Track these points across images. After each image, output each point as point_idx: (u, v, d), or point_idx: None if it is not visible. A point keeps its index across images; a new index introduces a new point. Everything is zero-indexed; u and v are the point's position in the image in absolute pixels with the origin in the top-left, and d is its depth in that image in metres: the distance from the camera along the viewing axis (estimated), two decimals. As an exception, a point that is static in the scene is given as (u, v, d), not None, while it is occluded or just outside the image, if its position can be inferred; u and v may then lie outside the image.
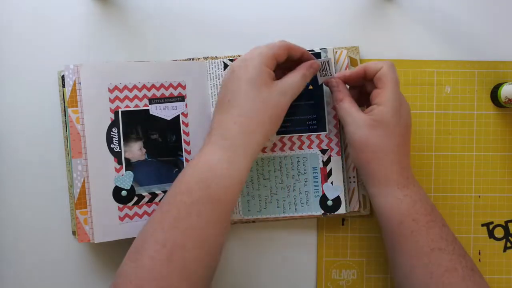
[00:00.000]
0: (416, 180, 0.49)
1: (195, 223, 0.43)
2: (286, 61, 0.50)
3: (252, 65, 0.47)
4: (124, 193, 0.52)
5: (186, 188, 0.45)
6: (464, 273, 0.45)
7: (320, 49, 0.55)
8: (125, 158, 0.53)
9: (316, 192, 0.55)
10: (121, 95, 0.53)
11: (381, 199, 0.49)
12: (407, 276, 0.47)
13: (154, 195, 0.53)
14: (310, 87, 0.55)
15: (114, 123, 0.52)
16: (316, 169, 0.55)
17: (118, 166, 0.52)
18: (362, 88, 0.53)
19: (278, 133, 0.55)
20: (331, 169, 0.55)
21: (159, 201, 0.54)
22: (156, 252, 0.42)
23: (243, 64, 0.47)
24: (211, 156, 0.46)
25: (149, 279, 0.42)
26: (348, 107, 0.50)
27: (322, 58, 0.54)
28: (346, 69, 0.56)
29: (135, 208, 0.53)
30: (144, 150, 0.53)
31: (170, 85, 0.54)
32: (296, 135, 0.55)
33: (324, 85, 0.55)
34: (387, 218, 0.48)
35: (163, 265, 0.42)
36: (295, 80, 0.49)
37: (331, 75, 0.53)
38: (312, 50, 0.55)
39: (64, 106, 0.54)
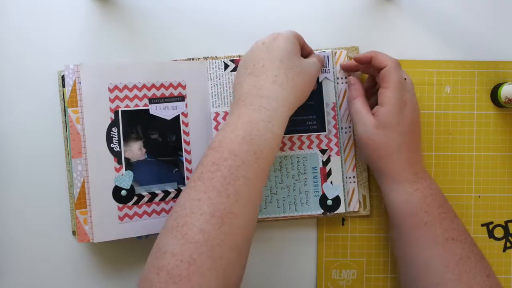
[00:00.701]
0: (429, 174, 0.51)
1: (242, 186, 0.43)
2: None
3: (284, 36, 0.49)
4: (124, 192, 0.52)
5: (229, 151, 0.44)
6: (476, 260, 0.47)
7: (320, 51, 0.55)
8: (125, 158, 0.53)
9: (316, 191, 0.55)
10: (121, 95, 0.53)
11: (393, 195, 0.50)
12: (422, 267, 0.48)
13: (154, 195, 0.54)
14: (310, 87, 0.55)
15: (114, 123, 0.52)
16: (316, 169, 0.55)
17: (118, 166, 0.52)
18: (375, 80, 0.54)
19: (278, 133, 0.55)
20: (330, 169, 0.55)
21: (159, 200, 0.54)
22: (206, 223, 0.41)
23: (273, 37, 0.49)
24: (251, 116, 0.46)
25: (200, 252, 0.40)
26: (359, 107, 0.52)
27: (321, 53, 0.55)
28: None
29: (135, 208, 0.53)
30: (144, 150, 0.54)
31: (170, 85, 0.54)
32: (296, 135, 0.56)
33: (323, 86, 0.55)
34: (399, 213, 0.50)
35: (216, 235, 0.41)
36: (315, 62, 0.51)
37: (329, 71, 0.54)
38: (312, 50, 0.55)
39: (64, 106, 0.54)
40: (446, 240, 0.48)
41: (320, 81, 0.55)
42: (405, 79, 0.50)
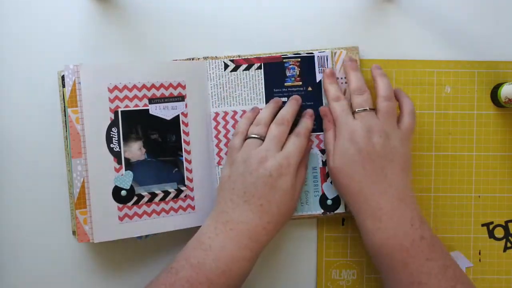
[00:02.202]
0: (399, 209, 0.48)
1: None
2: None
3: (288, 173, 0.49)
4: (123, 193, 0.52)
5: (207, 278, 0.47)
6: None
7: (319, 52, 0.55)
8: (125, 158, 0.53)
9: (316, 191, 0.55)
10: (121, 95, 0.53)
11: (361, 230, 0.50)
12: None
13: (153, 195, 0.54)
14: (310, 88, 0.55)
15: (113, 123, 0.52)
16: (316, 169, 0.55)
17: (117, 166, 0.52)
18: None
19: (278, 133, 0.55)
20: (331, 169, 0.55)
21: (159, 201, 0.54)
22: None
23: (280, 172, 0.49)
24: (235, 255, 0.48)
25: None
26: (329, 138, 0.53)
27: (320, 53, 0.55)
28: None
29: (135, 208, 0.53)
30: (144, 150, 0.53)
31: (170, 85, 0.54)
32: (296, 135, 0.56)
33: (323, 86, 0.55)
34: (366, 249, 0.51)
35: None
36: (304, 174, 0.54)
37: None
38: (311, 53, 0.55)
39: (64, 106, 0.54)
40: (411, 284, 0.46)
41: (319, 80, 0.55)
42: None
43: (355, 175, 0.49)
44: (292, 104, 0.53)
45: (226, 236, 0.48)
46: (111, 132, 0.52)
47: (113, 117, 0.52)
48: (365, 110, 0.50)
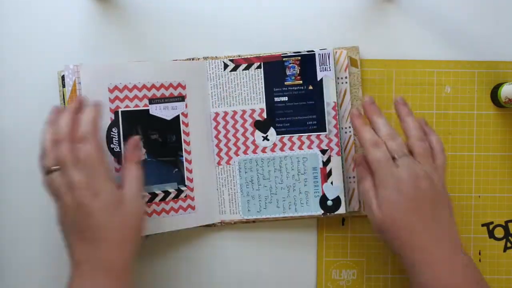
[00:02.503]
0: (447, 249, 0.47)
1: None
2: None
3: (98, 186, 0.45)
4: (123, 192, 0.52)
5: None
6: None
7: (320, 49, 0.55)
8: (125, 158, 0.53)
9: (316, 192, 0.55)
10: (121, 95, 0.53)
11: (411, 275, 0.47)
12: None
13: (154, 195, 0.53)
14: (310, 87, 0.55)
15: (114, 123, 0.52)
16: (316, 169, 0.55)
17: (118, 166, 0.52)
18: None
19: (278, 133, 0.55)
20: (331, 169, 0.55)
21: (159, 201, 0.54)
22: None
23: (87, 193, 0.45)
24: None
25: None
26: (366, 189, 0.49)
27: (321, 51, 0.55)
28: (345, 69, 0.56)
29: (135, 208, 0.53)
30: (144, 150, 0.53)
31: (170, 85, 0.54)
32: (296, 135, 0.55)
33: (324, 84, 0.55)
34: None
35: None
36: (136, 175, 0.48)
37: (330, 69, 0.53)
38: (312, 51, 0.55)
39: (64, 106, 0.54)
40: None
41: (319, 78, 0.55)
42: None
43: (408, 225, 0.46)
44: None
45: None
46: (112, 132, 0.52)
47: (113, 117, 0.52)
48: (404, 155, 0.47)
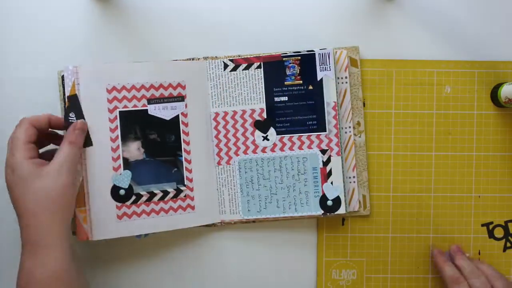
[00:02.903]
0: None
1: None
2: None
3: (15, 164, 0.47)
4: (122, 192, 0.52)
5: None
6: None
7: (320, 49, 0.55)
8: (123, 158, 0.53)
9: (316, 192, 0.55)
10: (119, 96, 0.53)
11: None
12: None
13: (152, 194, 0.53)
14: (310, 87, 0.55)
15: (70, 108, 0.52)
16: (316, 169, 0.55)
17: (116, 165, 0.52)
18: None
19: (278, 133, 0.55)
20: (331, 169, 0.55)
21: (158, 200, 0.54)
22: None
23: (8, 170, 0.48)
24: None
25: None
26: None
27: (322, 50, 0.55)
28: (345, 69, 0.56)
29: (134, 207, 0.53)
30: (143, 150, 0.53)
31: (170, 85, 0.54)
32: (296, 135, 0.55)
33: (324, 84, 0.55)
34: None
35: None
36: (65, 153, 0.48)
37: (330, 69, 0.53)
38: (312, 50, 0.55)
39: (64, 106, 0.54)
40: None
41: (320, 78, 0.55)
42: None
43: None
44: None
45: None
46: (69, 117, 0.52)
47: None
48: None
